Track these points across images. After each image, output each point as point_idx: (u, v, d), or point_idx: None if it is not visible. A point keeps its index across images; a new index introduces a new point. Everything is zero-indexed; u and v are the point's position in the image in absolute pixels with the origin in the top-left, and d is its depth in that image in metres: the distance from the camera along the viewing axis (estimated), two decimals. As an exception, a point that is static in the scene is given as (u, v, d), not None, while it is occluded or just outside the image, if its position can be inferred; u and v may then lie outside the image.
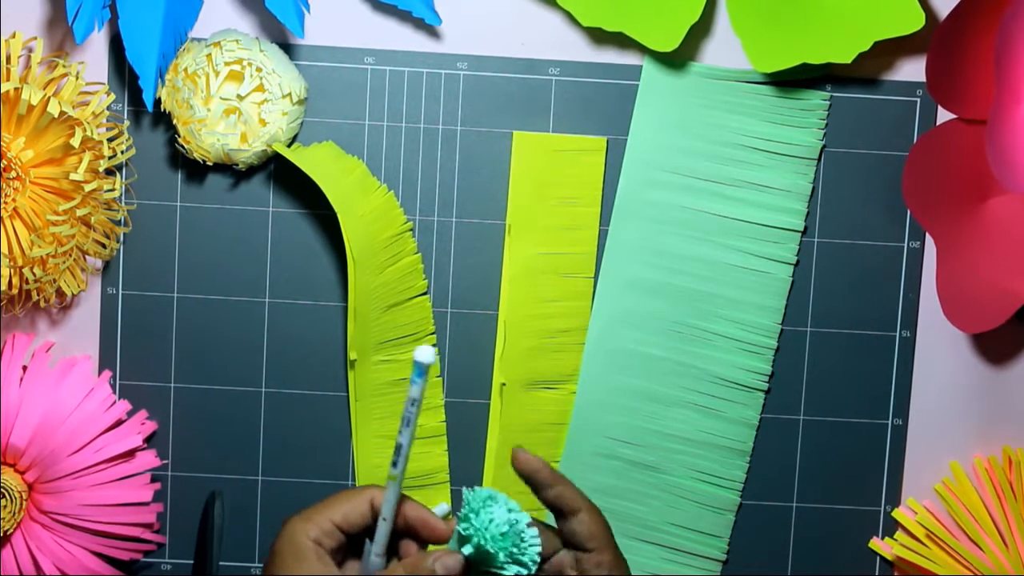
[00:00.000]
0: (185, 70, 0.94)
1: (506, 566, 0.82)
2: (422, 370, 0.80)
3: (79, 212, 0.93)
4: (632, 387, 0.99)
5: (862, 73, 0.98)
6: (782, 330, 1.00)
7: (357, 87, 0.98)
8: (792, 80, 0.98)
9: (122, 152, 0.96)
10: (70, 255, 0.94)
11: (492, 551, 0.81)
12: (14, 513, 0.96)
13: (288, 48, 0.98)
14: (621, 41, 0.98)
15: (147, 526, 0.99)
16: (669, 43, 0.96)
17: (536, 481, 0.85)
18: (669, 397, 0.99)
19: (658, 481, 1.00)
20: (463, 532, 0.81)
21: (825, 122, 0.99)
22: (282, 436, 1.00)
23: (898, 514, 1.00)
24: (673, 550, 1.00)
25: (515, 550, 0.82)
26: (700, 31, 0.98)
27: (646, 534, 1.00)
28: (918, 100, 0.99)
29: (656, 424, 0.99)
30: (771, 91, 0.98)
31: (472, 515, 0.81)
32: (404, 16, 0.98)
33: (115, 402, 0.98)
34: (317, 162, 0.95)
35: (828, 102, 0.98)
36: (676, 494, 1.00)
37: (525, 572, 0.82)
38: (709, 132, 0.98)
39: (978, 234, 0.97)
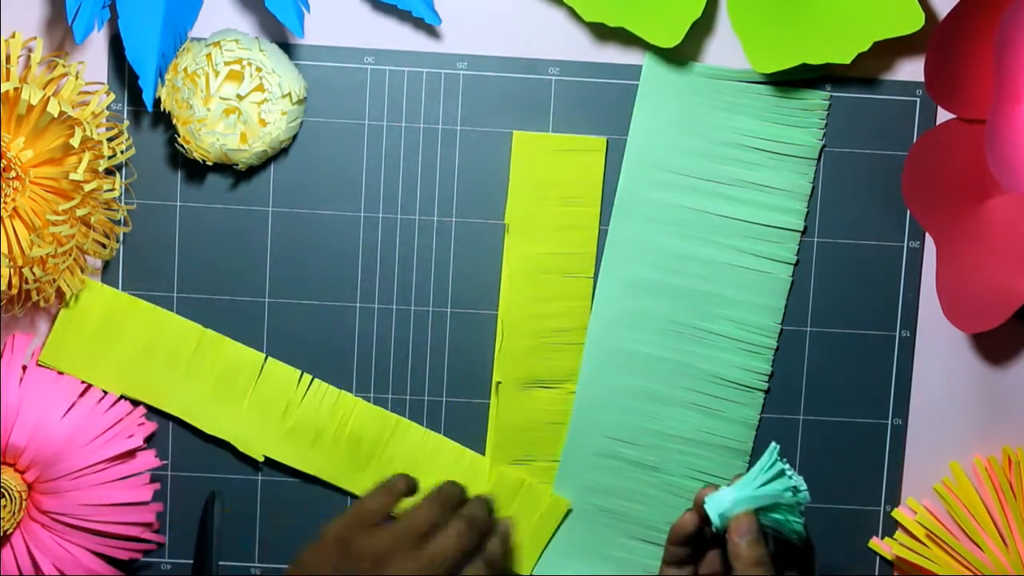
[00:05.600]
0: (185, 70, 0.94)
1: (796, 525, 0.88)
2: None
3: (79, 212, 0.93)
4: (632, 387, 0.99)
5: (861, 73, 0.98)
6: (782, 330, 1.00)
7: (357, 87, 0.98)
8: (792, 80, 0.98)
9: (122, 152, 0.96)
10: (70, 255, 0.94)
11: (794, 518, 0.88)
12: (14, 513, 0.96)
13: (288, 48, 0.98)
14: (622, 41, 0.98)
15: (147, 526, 0.99)
16: (670, 39, 0.96)
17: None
18: (669, 397, 0.99)
19: (658, 481, 1.00)
20: (788, 487, 0.87)
21: (825, 122, 0.99)
22: (282, 436, 1.00)
23: (898, 514, 1.00)
24: (673, 550, 1.00)
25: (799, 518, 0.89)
26: (701, 29, 0.98)
27: (646, 534, 1.00)
28: (918, 100, 0.99)
29: (656, 424, 0.99)
30: (771, 91, 0.98)
31: (799, 480, 0.88)
32: (404, 16, 0.98)
33: (115, 402, 0.98)
34: None
35: (828, 102, 0.98)
36: (676, 494, 1.00)
37: (796, 539, 0.89)
38: (709, 132, 0.98)
39: (978, 234, 0.97)
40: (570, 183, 0.98)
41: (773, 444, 0.88)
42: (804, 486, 0.87)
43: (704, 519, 0.89)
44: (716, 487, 0.88)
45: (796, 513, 0.87)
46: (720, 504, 0.87)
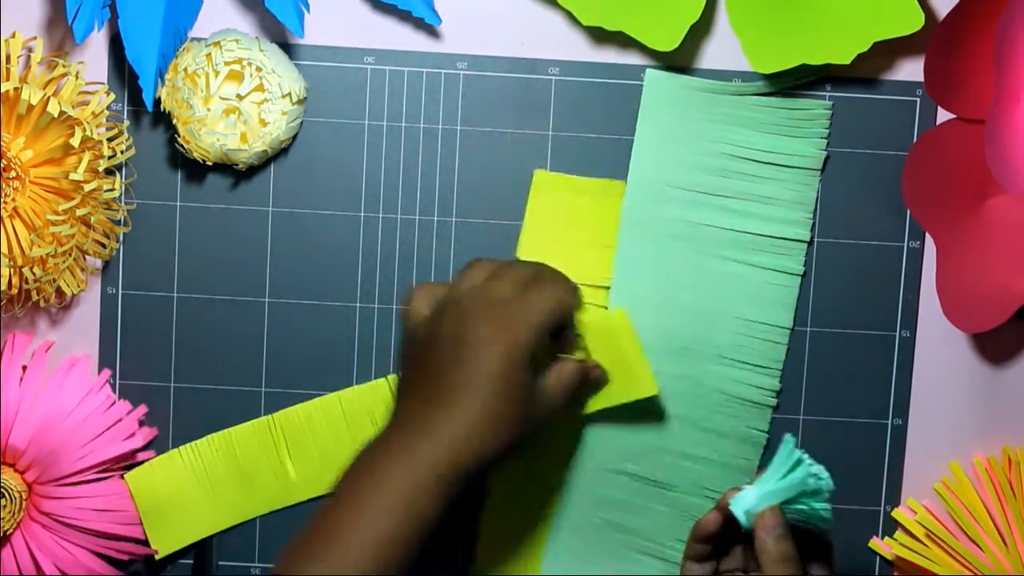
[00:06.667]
0: (185, 70, 0.94)
1: (827, 518, 0.88)
2: None
3: (79, 212, 0.93)
4: (641, 402, 0.98)
5: (862, 73, 0.98)
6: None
7: (357, 87, 0.98)
8: (794, 87, 0.98)
9: (122, 152, 0.96)
10: (70, 255, 0.94)
11: (826, 509, 0.87)
12: (14, 513, 0.96)
13: (288, 48, 0.98)
14: (621, 41, 0.98)
15: (147, 526, 0.99)
16: (669, 43, 0.96)
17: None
18: (677, 413, 0.99)
19: (664, 496, 0.99)
20: (809, 474, 0.86)
21: (828, 131, 0.98)
22: (282, 436, 1.00)
23: (898, 514, 1.00)
24: (679, 564, 0.99)
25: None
26: (700, 31, 0.98)
27: (651, 548, 0.99)
28: (918, 100, 0.99)
29: (663, 440, 0.99)
30: (774, 103, 0.98)
31: (819, 468, 0.87)
32: (404, 16, 0.98)
33: (115, 402, 0.98)
34: None
35: (831, 111, 0.98)
36: (684, 511, 0.99)
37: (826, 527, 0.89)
38: (712, 146, 0.98)
39: (978, 234, 0.97)
40: (586, 226, 0.98)
41: (787, 435, 0.87)
42: (825, 473, 0.87)
43: (727, 519, 0.89)
44: (740, 488, 0.88)
45: (821, 500, 0.87)
46: (745, 502, 0.87)
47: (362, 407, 0.99)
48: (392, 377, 0.99)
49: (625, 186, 0.98)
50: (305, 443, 0.99)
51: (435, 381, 0.87)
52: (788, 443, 0.87)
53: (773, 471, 0.87)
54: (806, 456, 0.87)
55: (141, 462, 0.99)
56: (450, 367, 0.87)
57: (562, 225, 0.98)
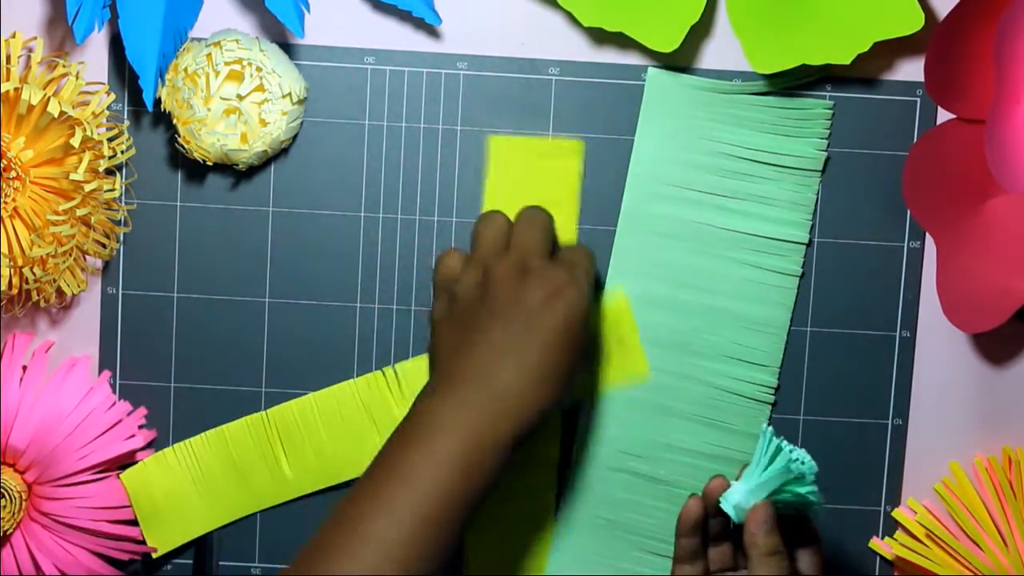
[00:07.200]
0: (185, 70, 0.94)
1: (814, 501, 0.89)
2: None
3: (79, 212, 0.93)
4: (640, 399, 0.99)
5: (862, 74, 0.98)
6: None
7: (357, 87, 0.98)
8: (794, 87, 0.98)
9: (122, 152, 0.96)
10: (70, 255, 0.94)
11: (812, 492, 0.89)
12: (14, 513, 0.96)
13: (288, 48, 0.98)
14: (621, 41, 0.98)
15: (147, 526, 0.99)
16: (669, 43, 0.96)
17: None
18: (677, 410, 0.99)
19: (666, 493, 0.99)
20: (791, 459, 0.88)
21: (828, 131, 0.98)
22: (282, 436, 1.00)
23: (898, 514, 1.00)
24: (679, 561, 1.00)
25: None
26: (700, 32, 0.98)
27: (655, 546, 0.99)
28: (918, 100, 0.99)
29: (665, 437, 0.99)
30: (774, 103, 0.98)
31: (800, 453, 0.89)
32: (404, 16, 0.98)
33: (115, 403, 0.98)
34: None
35: (831, 111, 0.98)
36: (683, 506, 0.99)
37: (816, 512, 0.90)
38: (713, 145, 0.98)
39: (978, 234, 0.97)
40: (547, 187, 0.98)
41: (765, 426, 0.88)
42: (807, 456, 0.88)
43: (710, 509, 0.90)
44: (724, 478, 0.89)
45: (807, 484, 0.88)
46: (733, 498, 0.88)
47: (357, 402, 0.99)
48: (388, 370, 0.99)
49: (582, 145, 0.98)
50: (300, 439, 0.99)
51: (484, 341, 0.88)
52: (766, 433, 0.88)
53: (756, 464, 0.88)
54: (785, 443, 0.88)
55: (139, 462, 0.99)
56: (507, 322, 0.87)
57: (522, 189, 0.98)
